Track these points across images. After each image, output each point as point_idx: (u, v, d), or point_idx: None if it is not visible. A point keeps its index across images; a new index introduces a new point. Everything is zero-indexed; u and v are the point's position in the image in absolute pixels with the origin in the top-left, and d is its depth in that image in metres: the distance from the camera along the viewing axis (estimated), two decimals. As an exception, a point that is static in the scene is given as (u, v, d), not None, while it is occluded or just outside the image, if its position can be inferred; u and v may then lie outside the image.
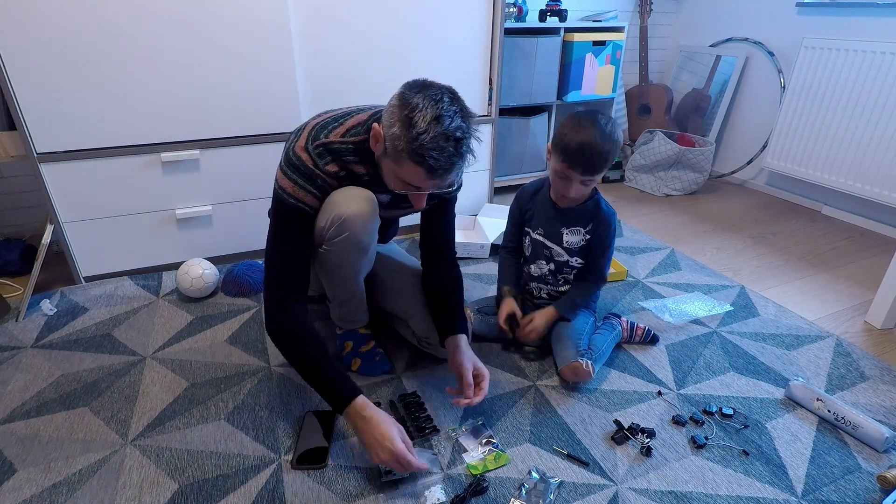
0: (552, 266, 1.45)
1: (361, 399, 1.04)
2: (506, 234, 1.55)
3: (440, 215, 1.30)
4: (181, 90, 1.64)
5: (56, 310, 1.61)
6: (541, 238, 1.44)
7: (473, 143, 1.02)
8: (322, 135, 1.10)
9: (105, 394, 1.29)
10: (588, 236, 1.40)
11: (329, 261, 1.18)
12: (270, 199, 1.16)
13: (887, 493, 1.05)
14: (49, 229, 1.61)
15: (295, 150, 1.10)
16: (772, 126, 2.60)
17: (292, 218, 1.10)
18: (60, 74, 1.50)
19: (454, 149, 0.97)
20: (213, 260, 1.84)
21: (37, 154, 1.55)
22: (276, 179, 1.12)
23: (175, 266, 1.84)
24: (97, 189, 1.65)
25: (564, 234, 1.41)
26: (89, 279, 1.77)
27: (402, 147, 0.97)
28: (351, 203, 1.10)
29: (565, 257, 1.42)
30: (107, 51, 1.52)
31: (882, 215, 2.31)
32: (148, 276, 1.81)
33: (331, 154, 1.10)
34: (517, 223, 1.51)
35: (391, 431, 1.00)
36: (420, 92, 0.98)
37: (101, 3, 1.47)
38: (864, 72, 2.17)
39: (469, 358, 1.19)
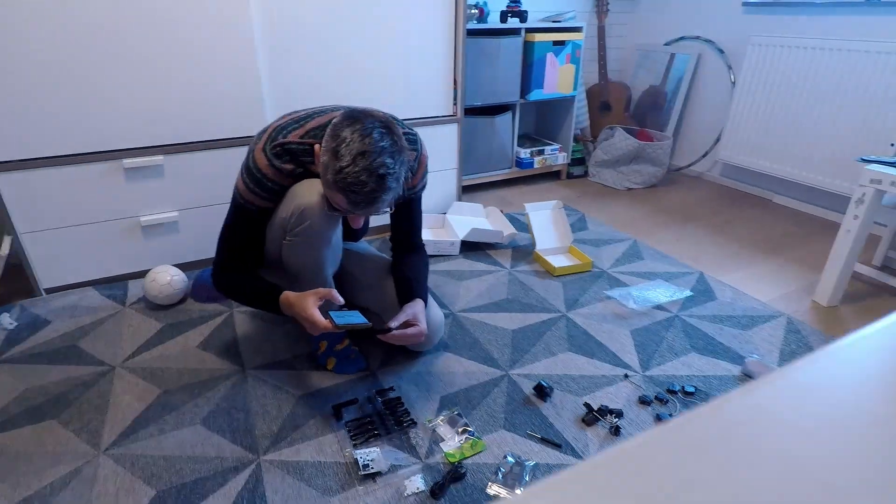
0: None
1: (283, 294, 1.18)
2: None
3: (407, 213, 1.35)
4: (143, 95, 1.62)
5: (16, 323, 1.56)
6: None
7: (403, 175, 1.07)
8: (281, 136, 1.16)
9: (73, 405, 1.26)
10: None
11: (293, 252, 1.21)
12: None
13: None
14: (6, 241, 1.57)
15: (254, 152, 1.17)
16: (724, 120, 2.73)
17: (242, 214, 1.22)
18: (14, 80, 1.46)
19: (376, 184, 1.02)
20: (182, 267, 1.82)
21: (-9, 163, 1.50)
22: (237, 177, 1.21)
23: (142, 274, 1.81)
24: (56, 198, 1.61)
25: None
26: (50, 291, 1.72)
27: (329, 177, 1.03)
28: (312, 194, 1.15)
29: None
30: (64, 55, 1.49)
31: (827, 201, 2.45)
32: (113, 285, 1.77)
33: (288, 154, 1.16)
34: None
35: (304, 303, 1.12)
36: (352, 125, 1.02)
37: (59, 6, 1.44)
38: (807, 67, 2.30)
39: (413, 310, 1.23)
